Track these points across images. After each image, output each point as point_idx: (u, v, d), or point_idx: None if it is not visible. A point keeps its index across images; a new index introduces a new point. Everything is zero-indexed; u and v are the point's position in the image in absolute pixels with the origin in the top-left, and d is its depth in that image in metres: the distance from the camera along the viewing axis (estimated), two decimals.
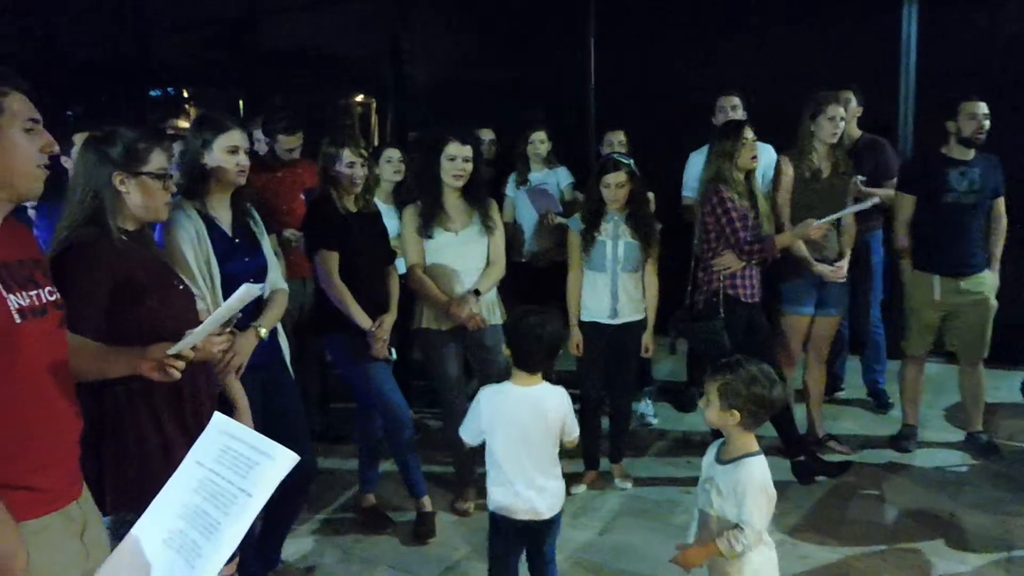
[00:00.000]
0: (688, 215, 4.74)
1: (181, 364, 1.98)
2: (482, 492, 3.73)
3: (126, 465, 2.17)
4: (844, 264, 4.10)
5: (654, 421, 4.80)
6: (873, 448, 4.35)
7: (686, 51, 5.99)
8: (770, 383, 2.34)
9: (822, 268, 4.05)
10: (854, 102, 4.55)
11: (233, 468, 1.17)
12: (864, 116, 4.66)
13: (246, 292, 1.95)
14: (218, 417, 1.25)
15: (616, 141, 4.85)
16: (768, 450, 4.13)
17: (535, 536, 2.73)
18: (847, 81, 4.55)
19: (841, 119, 4.02)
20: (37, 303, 1.75)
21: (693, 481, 4.03)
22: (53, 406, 1.79)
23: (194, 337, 1.96)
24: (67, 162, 3.35)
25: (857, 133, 4.60)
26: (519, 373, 2.67)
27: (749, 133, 3.81)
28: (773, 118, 4.19)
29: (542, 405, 2.64)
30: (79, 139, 3.22)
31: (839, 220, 4.01)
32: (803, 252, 3.99)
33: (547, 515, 2.67)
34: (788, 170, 4.06)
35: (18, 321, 1.68)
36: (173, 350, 1.95)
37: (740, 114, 4.56)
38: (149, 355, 1.96)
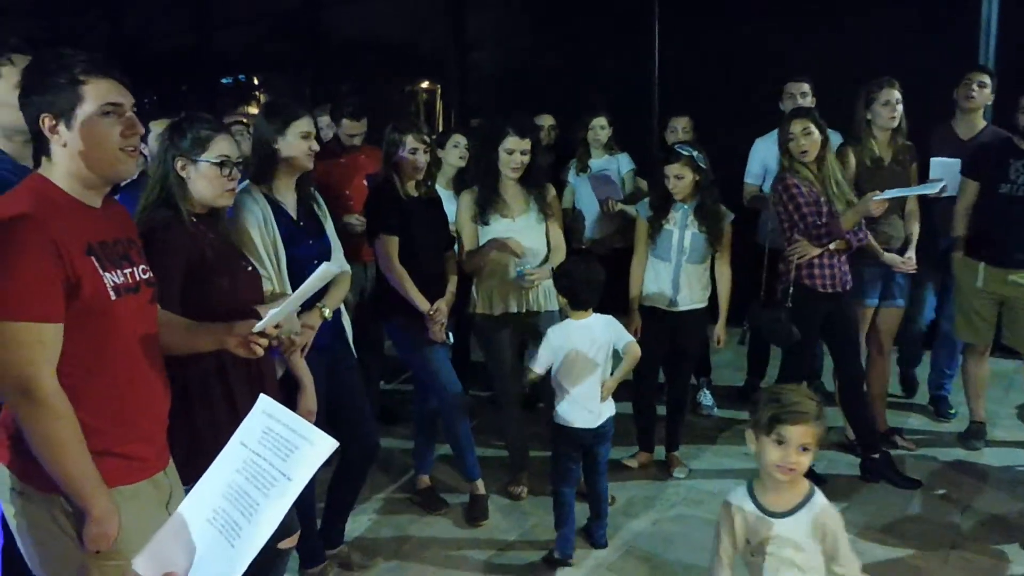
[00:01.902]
0: (752, 202, 4.65)
1: (265, 342, 2.04)
2: (535, 477, 3.79)
3: (198, 440, 2.22)
4: (912, 254, 3.97)
5: (713, 411, 4.75)
6: (940, 445, 4.23)
7: (753, 35, 5.84)
8: (791, 404, 2.00)
9: (891, 258, 3.94)
10: (990, 87, 4.20)
11: (274, 450, 1.18)
12: (936, 102, 4.38)
13: (325, 271, 2.00)
14: (263, 399, 1.27)
15: (680, 127, 4.78)
16: (831, 446, 4.12)
17: (589, 441, 3.28)
18: (924, 65, 4.35)
19: (897, 103, 3.88)
20: (131, 281, 1.85)
21: (750, 473, 3.97)
22: (146, 379, 1.89)
23: (276, 315, 2.02)
24: (145, 149, 3.46)
25: (982, 124, 4.28)
26: (575, 312, 3.24)
27: (796, 126, 3.68)
28: (843, 105, 4.06)
29: (594, 331, 3.23)
30: (155, 126, 3.33)
31: (903, 206, 3.88)
32: (870, 240, 3.85)
33: (599, 423, 3.25)
34: (851, 159, 3.93)
35: (113, 298, 1.78)
36: (257, 327, 2.02)
37: (809, 101, 4.42)
38: (236, 331, 2.03)
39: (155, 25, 9.69)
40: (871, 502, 3.63)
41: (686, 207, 3.75)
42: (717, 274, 3.85)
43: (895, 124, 3.93)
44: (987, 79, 4.20)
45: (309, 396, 2.75)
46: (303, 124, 2.80)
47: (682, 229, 3.75)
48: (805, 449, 2.01)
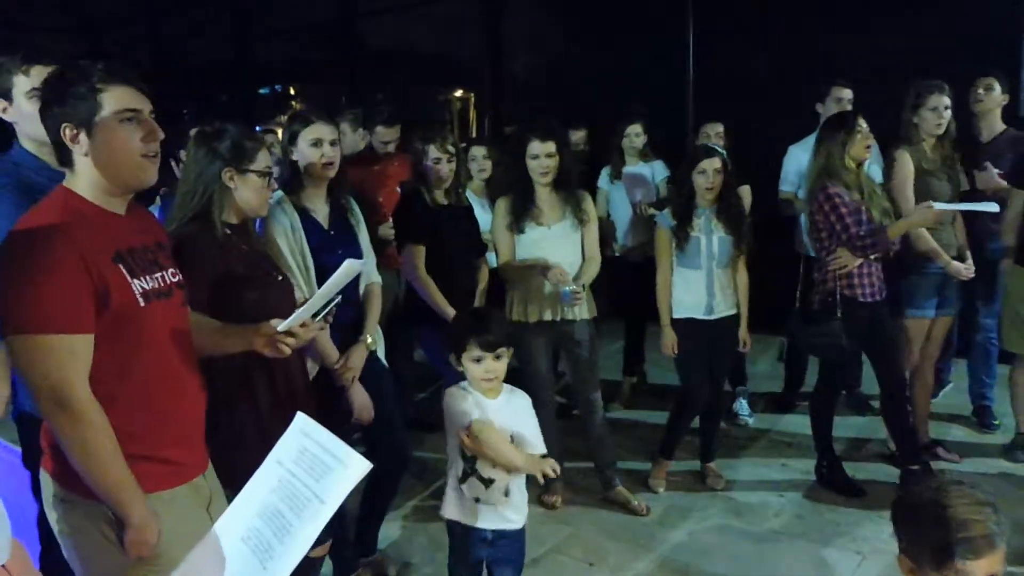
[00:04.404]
0: (787, 209, 4.59)
1: (291, 341, 2.07)
2: (570, 487, 3.76)
3: (224, 443, 2.22)
4: (971, 262, 3.86)
5: (750, 421, 4.68)
6: (983, 457, 4.11)
7: (787, 41, 5.76)
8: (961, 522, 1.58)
9: (956, 267, 3.81)
10: (998, 90, 4.14)
11: (309, 471, 1.18)
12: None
13: (349, 267, 2.01)
14: (300, 417, 1.27)
15: (713, 133, 4.73)
16: (871, 456, 4.05)
17: None
18: (960, 71, 4.25)
19: (945, 109, 3.78)
20: (162, 285, 1.86)
21: (787, 484, 3.97)
22: (182, 382, 1.90)
23: (302, 313, 2.04)
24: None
25: (1001, 127, 4.20)
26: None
27: (863, 123, 3.60)
28: (878, 111, 3.97)
29: None
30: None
31: (954, 213, 3.77)
32: (932, 244, 3.74)
33: None
34: (908, 163, 3.80)
35: (142, 304, 1.78)
36: (283, 326, 2.05)
37: (850, 108, 4.37)
38: (262, 331, 2.06)
39: (195, 38, 9.89)
40: None
41: (709, 211, 3.71)
42: (736, 277, 3.79)
43: (941, 131, 3.83)
44: (994, 82, 4.14)
45: (365, 411, 2.87)
46: (313, 131, 2.82)
47: (708, 234, 3.71)
48: None
